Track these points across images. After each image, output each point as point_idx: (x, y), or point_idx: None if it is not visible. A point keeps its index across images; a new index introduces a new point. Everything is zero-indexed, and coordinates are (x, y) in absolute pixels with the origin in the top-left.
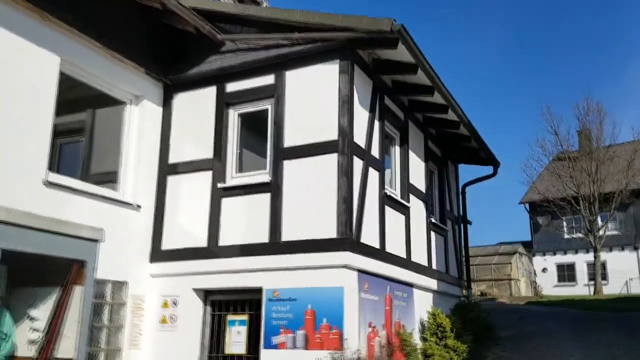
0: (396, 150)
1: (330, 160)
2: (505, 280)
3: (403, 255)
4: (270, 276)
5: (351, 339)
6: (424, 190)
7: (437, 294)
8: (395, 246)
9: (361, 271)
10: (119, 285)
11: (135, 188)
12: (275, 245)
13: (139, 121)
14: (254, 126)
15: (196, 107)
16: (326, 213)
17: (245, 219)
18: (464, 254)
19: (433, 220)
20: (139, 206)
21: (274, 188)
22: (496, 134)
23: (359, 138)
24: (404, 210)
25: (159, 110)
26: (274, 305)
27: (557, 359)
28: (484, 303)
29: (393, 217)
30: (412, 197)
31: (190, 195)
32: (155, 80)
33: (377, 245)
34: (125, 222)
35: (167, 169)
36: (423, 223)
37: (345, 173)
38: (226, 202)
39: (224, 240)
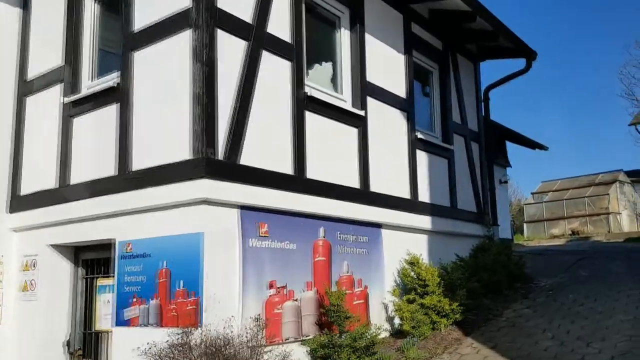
0: (342, 35)
1: (182, 41)
2: (602, 215)
3: (354, 183)
4: (123, 223)
5: (222, 309)
6: (403, 94)
7: (436, 235)
8: (335, 171)
9: (248, 208)
10: None
11: None
12: (125, 179)
13: None
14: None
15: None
16: (178, 123)
17: (95, 144)
18: (486, 180)
19: (421, 136)
20: None
21: (122, 94)
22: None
23: (238, 6)
24: (354, 120)
25: (14, 13)
26: (127, 265)
27: (597, 317)
28: (572, 243)
29: (328, 130)
30: (375, 102)
31: (43, 118)
32: None
33: (287, 170)
34: None
35: (24, 89)
36: (402, 140)
37: (199, 58)
38: (77, 123)
39: (76, 177)
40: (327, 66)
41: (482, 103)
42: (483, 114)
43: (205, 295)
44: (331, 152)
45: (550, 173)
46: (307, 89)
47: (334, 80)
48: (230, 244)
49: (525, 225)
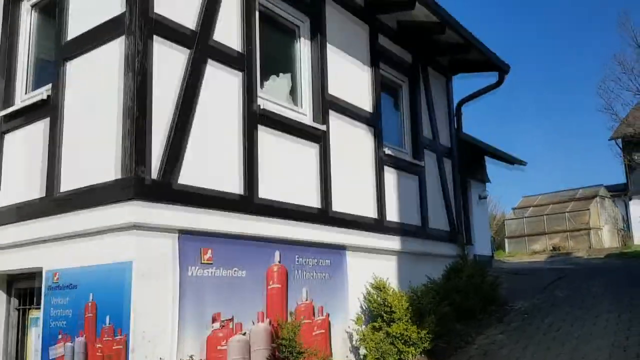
0: (302, 45)
1: (114, 50)
2: (583, 230)
3: (314, 203)
4: (50, 250)
5: (153, 348)
6: (369, 109)
7: (406, 256)
8: (292, 191)
9: (189, 232)
10: None
11: None
12: (52, 201)
13: None
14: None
15: None
16: (108, 139)
17: (25, 164)
18: (459, 197)
19: (388, 152)
20: None
21: (53, 108)
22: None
23: (179, 13)
24: (314, 136)
25: None
26: (55, 297)
27: (574, 343)
28: (552, 260)
29: (285, 146)
30: (338, 117)
31: None
32: None
33: (234, 190)
34: None
35: None
36: (367, 156)
37: (130, 67)
38: (8, 140)
39: (4, 199)
40: (285, 78)
41: (455, 118)
42: (455, 129)
43: (134, 333)
44: (288, 170)
45: (533, 187)
46: (260, 102)
47: (292, 93)
48: (165, 273)
49: (506, 241)
